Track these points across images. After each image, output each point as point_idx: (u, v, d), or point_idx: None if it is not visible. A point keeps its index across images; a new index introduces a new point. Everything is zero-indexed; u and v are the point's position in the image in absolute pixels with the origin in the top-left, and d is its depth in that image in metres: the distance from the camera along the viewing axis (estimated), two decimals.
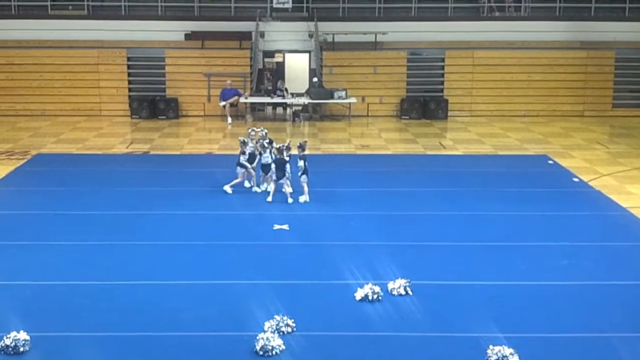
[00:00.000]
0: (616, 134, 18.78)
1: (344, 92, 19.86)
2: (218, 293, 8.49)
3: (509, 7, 21.95)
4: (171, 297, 8.39)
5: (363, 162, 15.46)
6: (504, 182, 13.56)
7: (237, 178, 12.44)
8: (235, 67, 20.82)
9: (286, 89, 20.24)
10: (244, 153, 12.39)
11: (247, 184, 12.61)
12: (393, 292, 8.42)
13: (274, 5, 21.30)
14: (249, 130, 13.19)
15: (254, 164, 12.48)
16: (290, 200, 11.91)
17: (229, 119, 19.81)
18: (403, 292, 8.41)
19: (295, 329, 7.51)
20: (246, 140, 12.49)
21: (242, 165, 12.39)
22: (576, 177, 13.96)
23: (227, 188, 12.43)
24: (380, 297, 8.28)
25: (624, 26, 21.46)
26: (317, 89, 20.04)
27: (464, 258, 9.67)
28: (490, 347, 7.00)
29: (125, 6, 21.61)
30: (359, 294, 8.31)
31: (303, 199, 12.00)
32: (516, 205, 12.01)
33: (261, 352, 7.05)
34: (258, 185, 12.52)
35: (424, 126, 19.64)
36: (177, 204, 11.95)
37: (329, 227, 10.90)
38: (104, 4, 21.78)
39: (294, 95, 20.27)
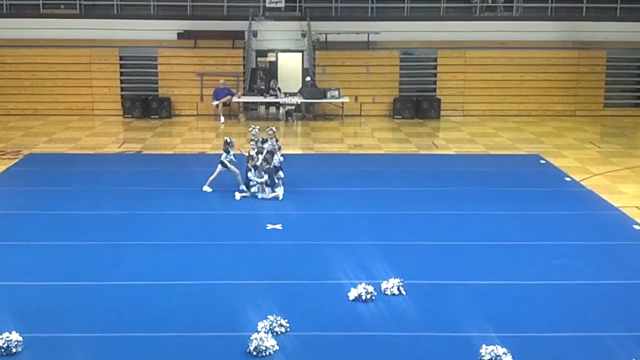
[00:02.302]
0: (608, 134, 18.87)
1: (336, 92, 19.87)
2: (211, 293, 8.48)
3: (501, 7, 22.01)
4: (164, 297, 8.37)
5: (356, 161, 15.47)
6: (496, 182, 13.59)
7: (212, 174, 12.50)
8: (228, 66, 20.79)
9: (279, 89, 20.23)
10: (227, 152, 12.43)
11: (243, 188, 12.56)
12: (386, 292, 8.43)
13: (267, 5, 21.27)
14: (254, 129, 13.13)
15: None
16: (280, 197, 12.11)
17: (222, 119, 19.78)
18: (396, 292, 8.43)
19: (288, 329, 7.51)
20: (229, 141, 12.49)
21: (224, 164, 12.43)
22: (568, 176, 14.02)
23: (206, 187, 12.51)
24: (373, 297, 8.28)
25: (615, 26, 21.55)
26: (309, 89, 20.04)
27: (457, 257, 9.70)
28: (484, 346, 7.02)
29: (117, 5, 21.53)
30: (353, 294, 8.32)
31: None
32: (508, 205, 12.05)
33: (255, 353, 7.04)
34: (248, 188, 12.40)
35: (417, 126, 19.67)
36: (169, 204, 11.93)
37: (322, 227, 10.91)
38: (96, 3, 21.70)
39: (287, 94, 20.26)
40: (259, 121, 19.80)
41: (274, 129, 13.03)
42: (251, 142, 12.74)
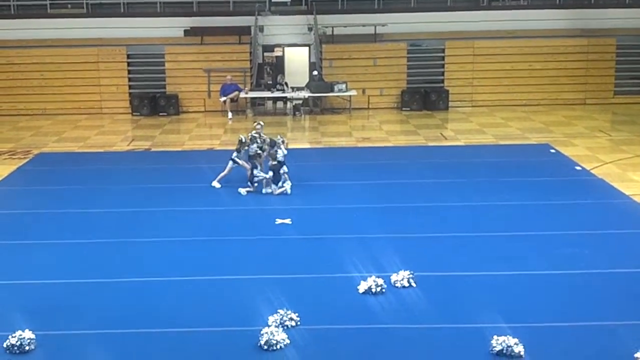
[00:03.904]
0: (618, 122, 18.73)
1: (344, 85, 19.83)
2: (221, 288, 8.50)
3: None
4: (175, 293, 8.40)
5: (364, 154, 15.43)
6: (506, 172, 13.53)
7: (223, 171, 12.54)
8: (235, 62, 20.80)
9: (286, 83, 20.21)
10: (238, 151, 12.46)
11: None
12: (396, 284, 8.42)
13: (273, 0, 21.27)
14: (255, 124, 13.23)
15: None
16: (288, 191, 12.07)
17: (230, 114, 19.80)
18: (406, 284, 8.41)
19: (299, 323, 7.52)
20: (244, 140, 12.50)
21: (235, 162, 12.46)
22: (578, 165, 13.92)
23: (215, 183, 12.54)
24: (383, 290, 8.27)
25: (624, 13, 21.36)
26: (317, 83, 20.01)
27: (467, 248, 9.66)
28: (495, 337, 6.99)
29: (124, 3, 21.57)
30: (362, 287, 8.31)
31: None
32: (519, 195, 11.99)
33: (266, 347, 7.06)
34: (252, 184, 12.39)
35: (425, 117, 19.60)
36: (179, 201, 11.96)
37: (331, 221, 10.90)
38: (102, 1, 21.73)
39: (294, 89, 20.24)
40: (266, 116, 19.83)
41: (262, 123, 13.21)
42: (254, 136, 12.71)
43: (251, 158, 12.40)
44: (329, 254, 9.49)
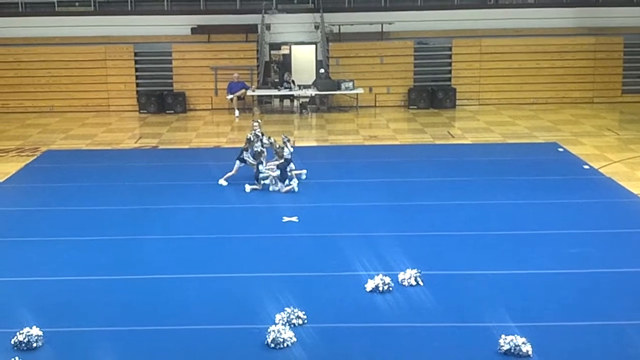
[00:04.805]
0: (626, 120, 18.65)
1: (351, 83, 19.81)
2: (228, 286, 8.50)
3: None
4: (182, 290, 8.40)
5: (371, 153, 15.42)
6: (513, 171, 13.49)
7: (231, 171, 12.53)
8: (242, 60, 20.81)
9: (293, 81, 20.21)
10: (246, 150, 12.46)
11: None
12: (403, 283, 8.41)
13: None
14: (253, 122, 13.35)
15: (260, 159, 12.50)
16: (296, 189, 12.05)
17: (237, 112, 19.83)
18: (414, 283, 8.39)
19: (306, 321, 7.51)
20: (252, 139, 12.52)
21: (242, 161, 12.47)
22: (586, 164, 13.87)
23: (222, 181, 12.54)
24: (390, 288, 8.26)
25: (632, 11, 21.28)
26: (324, 81, 20.00)
27: (474, 247, 9.64)
28: (503, 336, 6.96)
29: (131, 1, 21.62)
30: (370, 285, 8.30)
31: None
32: (526, 194, 11.95)
33: (272, 345, 7.06)
34: (257, 181, 12.40)
35: (432, 116, 19.57)
36: (186, 198, 11.98)
37: (338, 219, 10.89)
38: None
39: (301, 87, 20.24)
40: (273, 114, 19.85)
41: (259, 121, 13.41)
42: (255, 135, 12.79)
43: (255, 156, 12.41)
44: (336, 252, 9.48)
